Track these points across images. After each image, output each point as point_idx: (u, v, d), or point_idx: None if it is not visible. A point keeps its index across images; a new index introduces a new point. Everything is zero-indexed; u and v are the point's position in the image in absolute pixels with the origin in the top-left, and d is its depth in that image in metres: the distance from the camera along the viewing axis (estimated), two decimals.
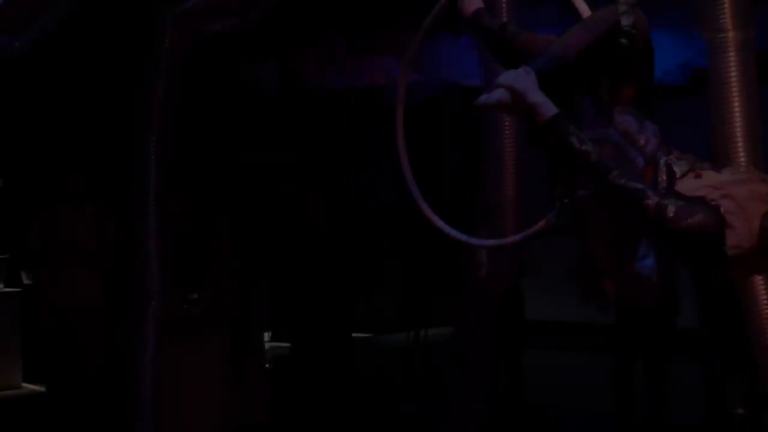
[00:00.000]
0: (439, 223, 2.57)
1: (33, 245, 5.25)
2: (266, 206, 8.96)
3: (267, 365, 6.94)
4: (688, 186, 2.15)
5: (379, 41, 8.42)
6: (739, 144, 2.74)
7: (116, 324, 5.52)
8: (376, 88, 8.98)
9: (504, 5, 2.77)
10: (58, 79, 8.35)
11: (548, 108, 2.21)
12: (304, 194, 5.87)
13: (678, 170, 2.20)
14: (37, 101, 8.34)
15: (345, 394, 5.84)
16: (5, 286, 7.68)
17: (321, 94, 9.18)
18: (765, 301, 2.81)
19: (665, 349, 5.21)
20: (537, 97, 2.23)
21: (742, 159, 2.76)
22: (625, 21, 2.34)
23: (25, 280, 7.37)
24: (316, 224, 5.74)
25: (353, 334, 6.18)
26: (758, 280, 2.75)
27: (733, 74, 2.73)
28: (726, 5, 2.73)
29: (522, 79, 2.26)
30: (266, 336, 8.08)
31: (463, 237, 2.56)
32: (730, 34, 2.74)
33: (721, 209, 2.05)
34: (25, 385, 7.63)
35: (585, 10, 2.59)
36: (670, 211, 2.05)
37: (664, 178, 2.19)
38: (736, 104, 2.74)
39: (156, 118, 3.45)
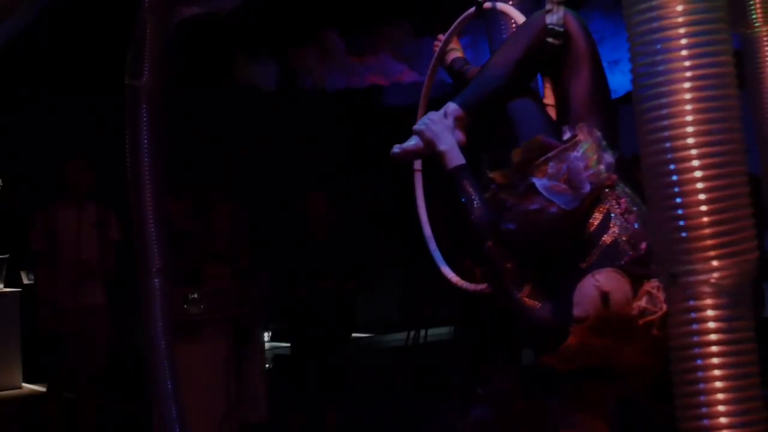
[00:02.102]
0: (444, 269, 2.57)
1: (33, 245, 5.24)
2: (266, 205, 8.96)
3: (267, 365, 6.95)
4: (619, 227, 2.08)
5: (379, 41, 8.43)
6: None
7: (118, 324, 5.53)
8: (376, 88, 8.99)
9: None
10: (55, 76, 8.35)
11: (452, 158, 2.23)
12: (305, 193, 5.86)
13: (617, 207, 2.10)
14: (35, 99, 8.35)
15: (344, 394, 5.83)
16: (5, 286, 7.69)
17: (321, 94, 9.18)
18: None
19: None
20: (444, 145, 2.25)
21: None
22: (550, 19, 2.29)
23: (25, 280, 7.38)
24: (317, 224, 5.74)
25: (353, 334, 6.17)
26: None
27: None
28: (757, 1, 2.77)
29: (433, 126, 2.29)
30: (266, 336, 8.09)
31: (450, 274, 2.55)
32: (764, 28, 2.78)
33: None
34: (25, 385, 7.64)
35: (519, 18, 2.54)
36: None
37: (602, 213, 2.09)
38: None
39: (147, 108, 3.46)
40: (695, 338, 1.47)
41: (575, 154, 2.09)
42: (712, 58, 1.48)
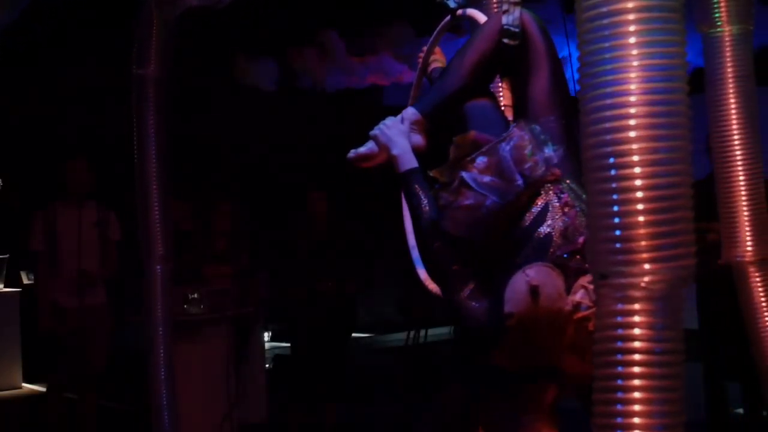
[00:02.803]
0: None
1: (33, 245, 5.24)
2: (266, 205, 8.97)
3: (267, 365, 6.95)
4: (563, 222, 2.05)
5: (379, 41, 8.42)
6: (736, 143, 2.61)
7: (119, 324, 5.53)
8: (376, 88, 8.99)
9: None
10: (55, 75, 8.35)
11: (404, 162, 2.25)
12: (306, 193, 5.86)
13: (558, 203, 2.07)
14: (35, 98, 8.35)
15: (344, 394, 5.84)
16: (5, 286, 7.69)
17: (321, 94, 9.18)
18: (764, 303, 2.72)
19: None
20: (397, 149, 2.27)
21: (738, 157, 2.66)
22: (506, 20, 2.29)
23: (25, 280, 7.38)
24: (317, 224, 5.74)
25: (353, 334, 6.17)
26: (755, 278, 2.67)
27: (729, 71, 2.57)
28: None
29: (387, 130, 2.32)
30: (266, 336, 8.10)
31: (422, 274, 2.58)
32: (726, 28, 2.59)
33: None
34: (25, 385, 7.64)
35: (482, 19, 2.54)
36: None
37: (539, 208, 2.06)
38: (732, 102, 2.58)
39: (153, 96, 3.48)
40: (619, 344, 1.37)
41: (506, 147, 2.09)
42: (661, 48, 1.38)
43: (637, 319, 1.37)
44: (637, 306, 1.37)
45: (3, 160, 7.78)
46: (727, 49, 2.56)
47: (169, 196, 3.62)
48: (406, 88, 9.12)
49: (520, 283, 1.90)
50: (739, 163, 2.52)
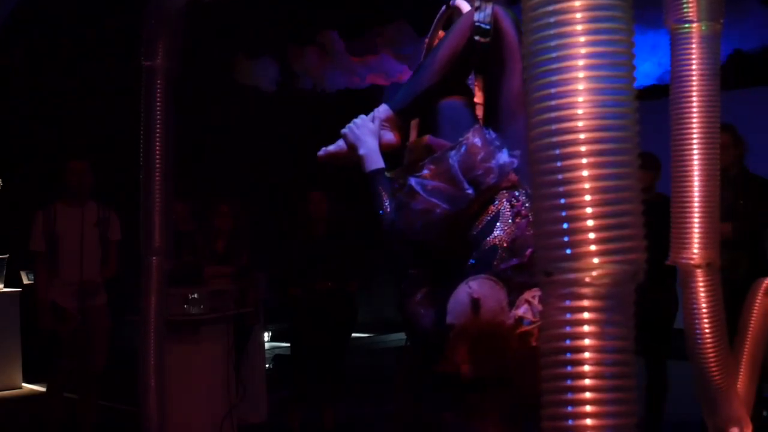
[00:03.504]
0: None
1: (33, 245, 5.24)
2: (267, 205, 8.97)
3: (267, 365, 6.95)
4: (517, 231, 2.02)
5: (379, 41, 8.42)
6: (695, 143, 2.45)
7: (119, 323, 5.52)
8: (376, 88, 8.99)
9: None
10: (55, 74, 8.35)
11: (370, 162, 2.24)
12: (306, 193, 5.86)
13: (510, 212, 2.04)
14: (35, 97, 8.35)
15: (344, 394, 5.83)
16: (5, 286, 7.69)
17: (321, 94, 9.18)
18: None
19: (665, 348, 5.21)
20: (364, 148, 2.26)
21: (696, 158, 2.56)
22: (477, 17, 2.27)
23: (25, 280, 7.38)
24: (317, 223, 5.74)
25: (353, 334, 6.17)
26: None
27: (695, 69, 2.44)
28: None
29: (356, 129, 2.31)
30: (266, 336, 8.09)
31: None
32: (695, 25, 2.46)
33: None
34: (25, 385, 7.64)
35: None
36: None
37: (490, 215, 2.04)
38: (695, 101, 2.44)
39: (161, 88, 3.50)
40: (567, 342, 1.31)
41: (454, 155, 2.06)
42: (608, 36, 1.31)
43: (585, 316, 1.30)
44: (585, 303, 1.30)
45: (3, 160, 7.78)
46: (695, 46, 2.45)
47: (171, 190, 3.63)
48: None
49: (462, 294, 1.86)
50: (696, 163, 2.43)
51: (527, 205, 2.04)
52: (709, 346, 2.48)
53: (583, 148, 1.30)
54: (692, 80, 2.43)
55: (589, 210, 1.30)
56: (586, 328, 1.30)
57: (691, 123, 2.44)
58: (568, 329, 1.31)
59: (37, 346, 5.85)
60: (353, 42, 8.66)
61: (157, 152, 3.55)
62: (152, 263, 3.62)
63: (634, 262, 1.32)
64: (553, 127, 1.32)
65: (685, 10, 2.44)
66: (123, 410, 6.39)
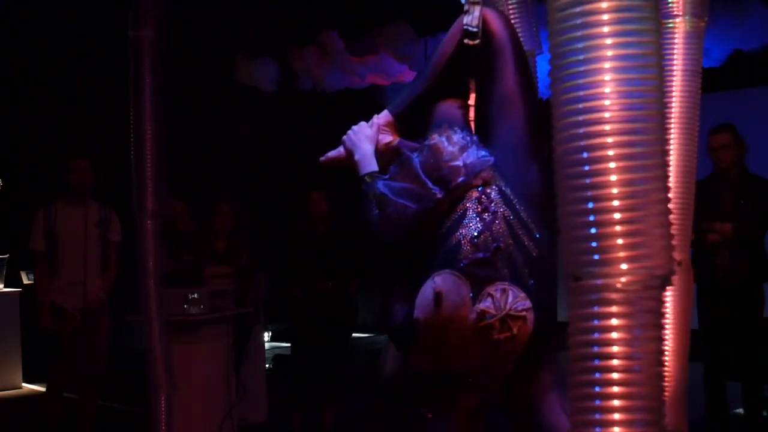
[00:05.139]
0: None
1: (33, 244, 5.23)
2: (267, 205, 8.97)
3: (267, 365, 6.95)
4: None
5: (379, 41, 8.42)
6: (672, 143, 2.40)
7: (119, 323, 5.52)
8: (376, 88, 8.99)
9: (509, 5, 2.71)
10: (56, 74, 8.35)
11: (364, 166, 2.29)
12: (306, 193, 5.86)
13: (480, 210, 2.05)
14: (35, 97, 8.35)
15: (344, 394, 5.83)
16: (5, 286, 7.68)
17: (321, 94, 9.17)
18: None
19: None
20: (359, 153, 2.32)
21: (672, 159, 2.51)
22: (466, 20, 2.31)
23: (25, 280, 7.38)
24: (317, 223, 5.74)
25: (353, 334, 6.17)
26: None
27: (676, 66, 2.41)
28: None
29: (353, 135, 2.38)
30: (266, 336, 8.10)
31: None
32: (679, 20, 2.43)
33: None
34: (25, 385, 7.63)
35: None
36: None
37: (457, 215, 2.05)
38: (675, 98, 2.39)
39: (149, 57, 3.53)
40: (595, 348, 1.30)
41: (416, 156, 2.11)
42: (636, 38, 1.30)
43: (614, 322, 1.29)
44: (613, 309, 1.29)
45: (3, 160, 7.78)
46: (678, 42, 2.41)
47: (162, 154, 3.66)
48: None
49: (427, 289, 1.88)
50: (672, 161, 2.42)
51: (497, 202, 2.06)
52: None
53: (611, 152, 1.29)
54: (673, 78, 2.41)
55: (617, 216, 1.29)
56: (614, 335, 1.29)
57: (669, 121, 2.42)
58: (596, 335, 1.30)
59: (37, 346, 5.85)
60: (353, 42, 8.65)
61: (148, 117, 3.57)
62: (147, 227, 3.64)
63: (662, 267, 1.31)
64: (581, 130, 1.31)
65: (671, 4, 2.41)
66: (123, 410, 6.39)
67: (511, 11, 2.71)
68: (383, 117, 2.43)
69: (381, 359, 2.53)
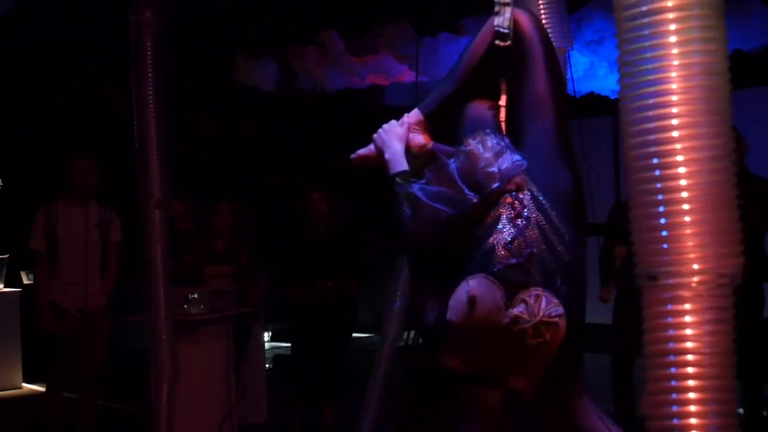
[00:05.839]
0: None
1: (32, 243, 5.23)
2: (267, 205, 8.96)
3: (267, 365, 6.95)
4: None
5: (379, 41, 8.42)
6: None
7: (119, 324, 5.52)
8: (376, 88, 8.99)
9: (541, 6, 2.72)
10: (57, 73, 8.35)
11: (394, 165, 2.30)
12: (306, 193, 5.86)
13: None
14: (35, 97, 8.35)
15: (344, 394, 5.83)
16: (5, 286, 7.68)
17: (321, 94, 9.17)
18: None
19: None
20: (389, 152, 2.33)
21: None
22: (497, 21, 2.31)
23: (25, 280, 7.37)
24: (317, 223, 5.74)
25: (353, 334, 6.17)
26: None
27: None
28: None
29: (384, 134, 2.38)
30: (266, 336, 8.10)
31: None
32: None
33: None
34: (25, 385, 7.63)
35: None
36: None
37: (492, 218, 2.08)
38: None
39: (150, 41, 3.52)
40: (671, 344, 1.37)
41: (453, 162, 2.12)
42: (702, 46, 1.35)
43: (688, 319, 1.37)
44: (687, 306, 1.36)
45: (3, 160, 7.78)
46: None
47: (167, 144, 3.64)
48: (406, 88, 9.09)
49: (461, 292, 1.92)
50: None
51: (530, 207, 2.08)
52: None
53: (680, 158, 1.34)
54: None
55: (687, 218, 1.36)
56: (688, 331, 1.36)
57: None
58: (671, 332, 1.37)
59: (37, 346, 5.85)
60: (353, 42, 8.65)
61: (151, 104, 3.55)
62: (155, 216, 3.62)
63: (733, 265, 1.38)
64: (651, 137, 1.36)
65: None
66: (123, 410, 6.39)
67: (541, 8, 2.72)
68: (413, 116, 2.44)
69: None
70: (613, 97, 7.85)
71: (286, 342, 7.12)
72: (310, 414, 5.75)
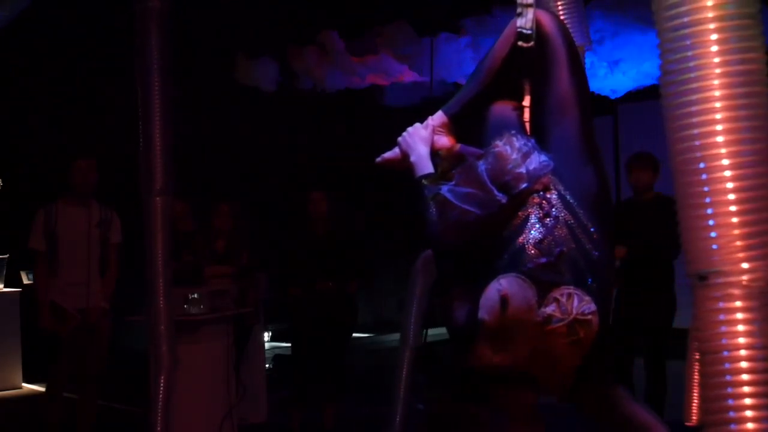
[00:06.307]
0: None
1: (32, 243, 5.23)
2: (267, 205, 8.96)
3: (267, 365, 6.95)
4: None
5: (379, 41, 8.42)
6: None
7: (119, 324, 5.52)
8: (376, 88, 8.99)
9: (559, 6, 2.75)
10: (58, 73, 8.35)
11: (420, 168, 2.31)
12: (306, 193, 5.86)
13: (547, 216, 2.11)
14: (35, 97, 8.35)
15: (344, 394, 5.83)
16: (5, 286, 7.68)
17: (321, 94, 9.18)
18: None
19: (664, 348, 5.21)
20: (415, 155, 2.34)
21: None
22: (520, 22, 2.33)
23: (25, 280, 7.37)
24: (317, 223, 5.74)
25: (353, 334, 6.17)
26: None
27: None
28: None
29: (409, 137, 2.39)
30: (266, 336, 8.09)
31: None
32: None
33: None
34: (25, 385, 7.63)
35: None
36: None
37: (521, 218, 2.11)
38: None
39: (156, 29, 3.51)
40: (723, 341, 1.42)
41: (482, 164, 2.14)
42: (742, 54, 1.42)
43: (740, 316, 1.42)
44: (739, 304, 1.41)
45: (3, 160, 7.78)
46: None
47: (170, 131, 3.62)
48: (406, 88, 9.07)
49: (493, 292, 1.94)
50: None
51: (558, 206, 2.11)
52: None
53: (725, 162, 1.42)
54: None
55: (735, 219, 1.43)
56: (740, 328, 1.42)
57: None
58: (723, 329, 1.43)
59: (37, 346, 5.85)
60: (353, 42, 8.66)
61: (156, 91, 3.54)
62: (156, 204, 3.60)
63: None
64: (697, 143, 1.44)
65: None
66: (123, 410, 6.39)
67: (560, 7, 2.73)
68: (438, 118, 2.45)
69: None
70: (613, 97, 7.86)
71: (286, 342, 7.12)
72: (310, 414, 5.75)
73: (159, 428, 3.58)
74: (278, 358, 7.78)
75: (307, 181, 6.70)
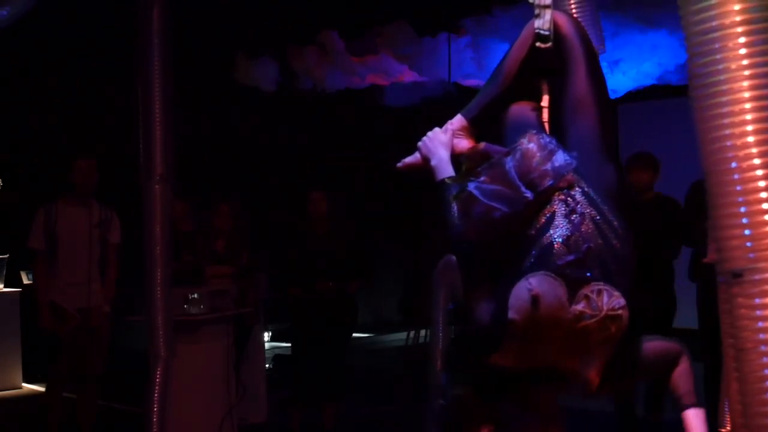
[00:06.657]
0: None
1: (32, 243, 5.23)
2: (267, 205, 8.96)
3: (267, 365, 6.95)
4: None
5: (379, 41, 8.42)
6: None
7: (119, 323, 5.52)
8: (376, 88, 8.99)
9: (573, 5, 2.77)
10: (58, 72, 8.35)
11: (440, 172, 2.30)
12: (306, 193, 5.86)
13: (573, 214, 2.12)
14: (35, 97, 8.35)
15: (344, 394, 5.83)
16: (5, 286, 7.68)
17: (321, 94, 9.18)
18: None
19: None
20: (435, 159, 2.33)
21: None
22: (537, 23, 2.34)
23: (25, 280, 7.37)
24: (317, 223, 5.74)
25: (353, 334, 6.17)
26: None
27: None
28: None
29: (428, 141, 2.38)
30: (266, 336, 8.09)
31: None
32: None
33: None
34: (25, 385, 7.64)
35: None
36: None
37: (546, 216, 2.11)
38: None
39: (157, 17, 3.51)
40: (761, 336, 1.45)
41: (510, 160, 2.14)
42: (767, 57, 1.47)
43: None
44: None
45: (3, 160, 7.78)
46: None
47: (171, 118, 3.61)
48: (406, 88, 9.08)
49: (522, 290, 1.94)
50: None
51: (583, 203, 2.12)
52: None
53: (757, 161, 1.47)
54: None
55: (767, 218, 1.47)
56: None
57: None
58: (760, 324, 1.47)
59: (37, 346, 5.85)
60: (353, 42, 8.66)
61: (156, 91, 3.53)
62: (156, 191, 3.59)
63: None
64: (728, 143, 1.48)
65: None
66: (123, 410, 6.39)
67: (573, 9, 2.74)
68: (457, 122, 2.46)
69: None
70: (612, 97, 7.84)
71: (286, 342, 7.11)
72: (310, 414, 5.75)
73: (155, 429, 3.57)
74: (278, 358, 7.78)
75: (307, 181, 6.70)
